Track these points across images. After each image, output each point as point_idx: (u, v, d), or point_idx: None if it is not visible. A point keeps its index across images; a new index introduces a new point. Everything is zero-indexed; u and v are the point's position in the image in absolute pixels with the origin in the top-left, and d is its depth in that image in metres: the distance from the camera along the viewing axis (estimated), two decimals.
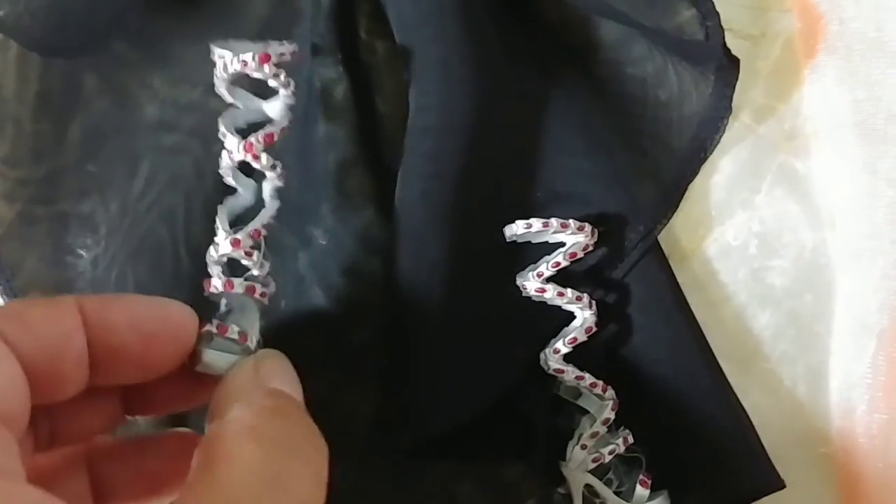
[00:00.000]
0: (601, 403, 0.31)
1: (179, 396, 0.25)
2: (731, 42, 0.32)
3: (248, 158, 0.27)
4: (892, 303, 0.33)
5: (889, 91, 0.33)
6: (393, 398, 0.31)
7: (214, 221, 0.27)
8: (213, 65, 0.27)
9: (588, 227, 0.30)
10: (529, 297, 0.31)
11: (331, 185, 0.32)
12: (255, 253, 0.27)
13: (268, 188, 0.28)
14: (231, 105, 0.28)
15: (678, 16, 0.32)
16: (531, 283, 0.31)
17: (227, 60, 0.26)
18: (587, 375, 0.31)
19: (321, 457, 0.21)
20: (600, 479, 0.31)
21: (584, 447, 0.30)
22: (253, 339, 0.25)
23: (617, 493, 0.31)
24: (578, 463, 0.31)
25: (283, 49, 0.27)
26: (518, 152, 0.33)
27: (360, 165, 0.32)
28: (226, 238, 0.26)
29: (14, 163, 0.31)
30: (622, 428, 0.31)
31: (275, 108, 0.27)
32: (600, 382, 0.31)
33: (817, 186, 0.35)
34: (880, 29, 0.33)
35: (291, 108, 0.28)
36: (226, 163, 0.27)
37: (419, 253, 0.30)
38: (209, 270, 0.27)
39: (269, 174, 0.27)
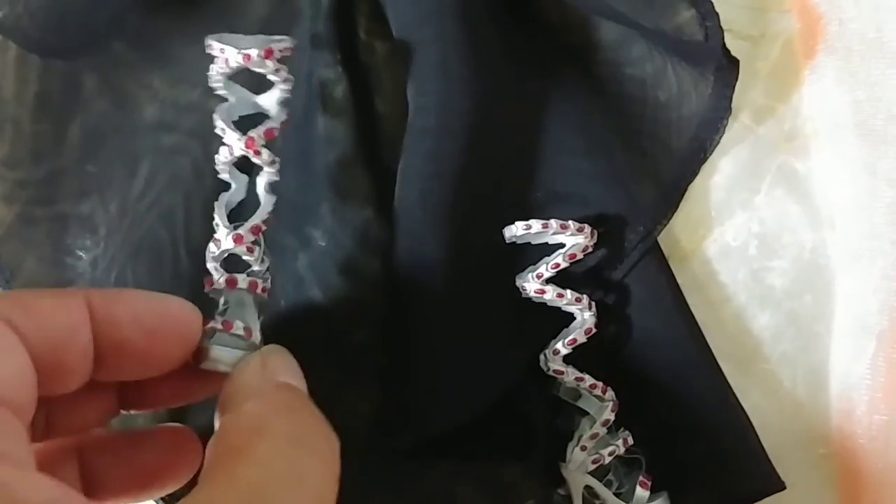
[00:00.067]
0: (601, 405, 0.31)
1: (177, 392, 0.25)
2: (731, 43, 0.32)
3: (250, 154, 0.27)
4: (892, 304, 0.33)
5: (889, 91, 0.33)
6: (393, 398, 0.31)
7: (213, 220, 0.27)
8: (212, 61, 0.27)
9: (587, 229, 0.30)
10: (529, 298, 0.31)
11: (330, 185, 0.32)
12: (257, 249, 0.27)
13: (262, 183, 0.28)
14: (224, 99, 0.28)
15: (677, 16, 0.32)
16: (531, 284, 0.31)
17: (230, 55, 0.26)
18: (587, 377, 0.31)
19: (333, 449, 0.21)
20: (600, 481, 0.31)
21: (583, 448, 0.30)
22: (257, 335, 0.25)
23: (617, 495, 0.31)
24: (578, 464, 0.30)
25: (284, 45, 0.27)
26: (517, 152, 0.33)
27: (359, 166, 0.32)
28: (228, 234, 0.26)
29: (13, 164, 0.31)
30: (622, 429, 0.31)
31: (270, 101, 0.27)
32: (600, 384, 0.31)
33: (817, 187, 0.35)
34: (880, 29, 0.33)
35: (290, 107, 0.28)
36: (223, 157, 0.27)
37: (418, 253, 0.30)
38: (208, 267, 0.27)
39: (266, 169, 0.27)
